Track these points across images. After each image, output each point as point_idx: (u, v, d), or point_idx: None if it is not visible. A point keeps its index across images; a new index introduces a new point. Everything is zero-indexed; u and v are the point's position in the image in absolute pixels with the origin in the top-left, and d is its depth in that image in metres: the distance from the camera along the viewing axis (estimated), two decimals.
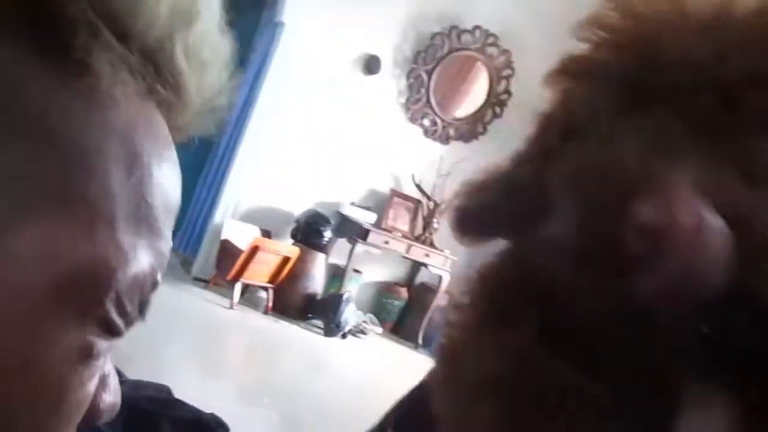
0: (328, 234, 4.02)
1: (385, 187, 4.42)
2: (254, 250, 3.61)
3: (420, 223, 4.44)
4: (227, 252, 3.74)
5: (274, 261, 3.75)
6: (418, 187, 4.38)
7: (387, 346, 4.19)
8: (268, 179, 4.06)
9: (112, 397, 0.28)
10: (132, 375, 0.51)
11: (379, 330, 4.35)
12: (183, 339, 3.19)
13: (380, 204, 4.38)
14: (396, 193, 4.41)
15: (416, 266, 4.61)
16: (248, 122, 3.93)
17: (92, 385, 0.26)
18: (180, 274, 3.93)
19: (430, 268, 4.41)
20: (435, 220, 4.37)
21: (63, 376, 0.24)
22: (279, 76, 3.90)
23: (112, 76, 0.24)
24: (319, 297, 4.01)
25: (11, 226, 0.21)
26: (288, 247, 3.87)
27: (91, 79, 0.23)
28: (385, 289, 4.56)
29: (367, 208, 4.29)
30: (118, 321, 0.25)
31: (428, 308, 4.33)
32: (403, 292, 4.53)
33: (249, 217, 4.05)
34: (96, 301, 0.24)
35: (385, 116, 4.32)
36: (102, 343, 0.25)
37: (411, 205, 4.46)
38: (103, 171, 0.23)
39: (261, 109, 3.93)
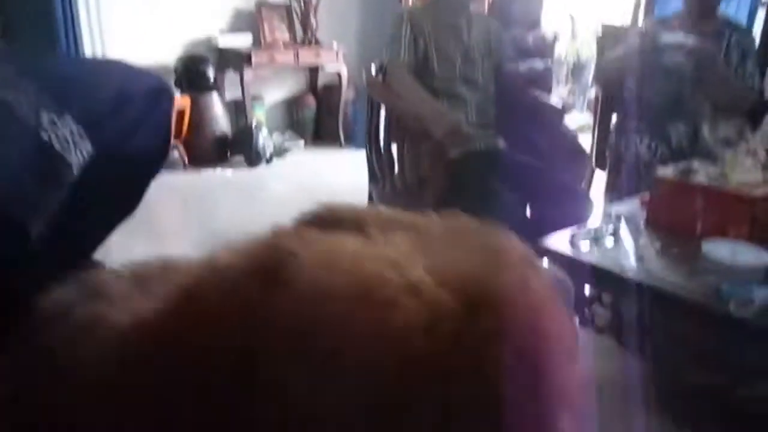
0: (211, 71, 3.90)
1: (249, 4, 4.19)
2: None
3: (298, 26, 4.30)
4: None
5: None
6: None
7: (313, 155, 4.32)
8: (128, 40, 3.81)
9: None
10: None
11: (301, 143, 4.44)
12: None
13: (252, 23, 4.19)
14: (262, 5, 4.20)
15: (314, 72, 4.56)
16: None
17: None
18: None
19: (326, 68, 4.38)
20: (311, 17, 4.24)
21: None
22: None
23: None
24: (230, 135, 4.01)
25: None
26: (177, 100, 3.77)
27: None
28: (293, 104, 4.56)
29: (240, 31, 4.12)
30: None
31: (339, 108, 4.39)
32: (311, 101, 4.54)
33: None
34: None
35: None
36: None
37: (282, 11, 4.27)
38: None
39: None
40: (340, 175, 3.80)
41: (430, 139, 1.83)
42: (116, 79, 0.58)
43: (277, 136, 4.33)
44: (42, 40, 3.91)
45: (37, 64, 0.47)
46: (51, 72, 0.49)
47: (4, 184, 0.37)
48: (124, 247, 3.10)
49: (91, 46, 3.74)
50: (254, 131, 3.86)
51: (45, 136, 0.41)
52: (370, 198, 2.27)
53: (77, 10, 3.65)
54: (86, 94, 0.49)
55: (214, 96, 3.94)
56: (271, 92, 4.44)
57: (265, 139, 3.93)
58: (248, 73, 3.95)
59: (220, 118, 3.97)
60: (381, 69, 2.11)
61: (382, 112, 2.09)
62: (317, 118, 4.58)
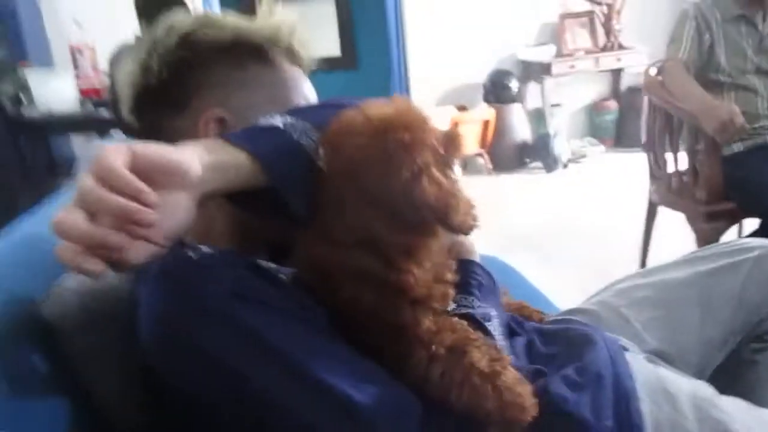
0: (514, 84, 4.22)
1: (553, 17, 4.40)
2: (455, 126, 4.02)
3: (601, 32, 4.34)
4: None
5: (476, 128, 4.12)
6: None
7: (613, 159, 4.30)
8: (444, 62, 4.37)
9: None
10: None
11: (601, 148, 4.46)
12: None
13: (555, 34, 4.39)
14: (565, 16, 4.37)
15: (616, 75, 4.54)
16: (404, 19, 4.28)
17: None
18: None
19: (629, 70, 4.33)
20: (614, 21, 4.24)
21: None
22: None
23: (283, 63, 0.76)
24: (530, 142, 4.27)
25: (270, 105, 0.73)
26: (483, 111, 4.20)
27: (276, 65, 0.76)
28: (592, 109, 4.61)
29: (544, 44, 4.36)
30: None
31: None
32: (612, 105, 4.53)
33: (443, 101, 4.45)
34: None
35: None
36: None
37: (584, 19, 4.38)
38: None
39: (411, 3, 4.25)
40: (636, 177, 3.72)
41: (704, 135, 1.82)
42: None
43: (575, 142, 4.44)
44: (379, 63, 4.77)
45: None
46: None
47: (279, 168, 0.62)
48: None
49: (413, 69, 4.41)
50: (551, 138, 4.06)
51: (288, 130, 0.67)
52: (650, 196, 2.30)
53: (405, 38, 4.35)
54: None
55: (516, 106, 4.25)
56: (571, 99, 4.57)
57: (562, 146, 4.09)
58: (548, 83, 4.17)
59: (520, 127, 4.26)
60: (659, 69, 2.14)
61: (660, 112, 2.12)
62: (620, 122, 4.54)
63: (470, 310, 0.71)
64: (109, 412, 0.66)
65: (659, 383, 0.78)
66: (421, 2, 4.26)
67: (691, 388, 0.79)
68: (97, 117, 3.00)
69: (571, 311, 1.02)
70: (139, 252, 0.48)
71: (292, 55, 0.80)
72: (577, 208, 3.48)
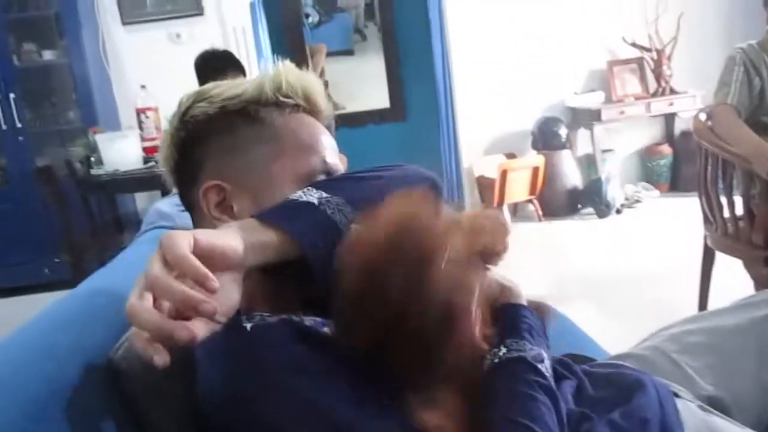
0: (563, 131, 4.23)
1: (601, 63, 4.42)
2: (504, 173, 4.04)
3: (651, 77, 4.33)
4: (484, 185, 4.25)
5: (525, 175, 4.12)
6: (634, 45, 4.29)
7: (667, 204, 4.21)
8: (491, 110, 4.43)
9: None
10: None
11: (656, 193, 4.37)
12: None
13: (603, 81, 4.40)
14: (613, 63, 4.38)
15: (670, 120, 4.49)
16: (451, 70, 4.39)
17: None
18: None
19: (682, 115, 4.28)
20: (664, 66, 4.23)
21: None
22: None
23: (274, 116, 0.79)
24: (580, 188, 4.24)
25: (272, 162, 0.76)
26: (532, 159, 4.21)
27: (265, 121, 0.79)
28: (645, 154, 4.56)
29: (592, 90, 4.37)
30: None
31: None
32: (665, 150, 4.47)
33: (491, 149, 4.49)
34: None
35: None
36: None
37: (633, 65, 4.38)
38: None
39: (458, 54, 4.35)
40: (693, 222, 3.63)
41: (758, 179, 1.79)
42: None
43: (629, 187, 4.38)
44: (428, 113, 4.87)
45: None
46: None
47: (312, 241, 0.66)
48: None
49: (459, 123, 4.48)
50: (603, 183, 4.02)
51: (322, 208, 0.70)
52: (705, 242, 2.24)
53: (453, 88, 4.44)
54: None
55: (566, 153, 4.25)
56: (623, 144, 4.53)
57: (615, 191, 4.04)
58: (598, 129, 4.16)
59: (570, 173, 4.24)
60: (708, 115, 2.13)
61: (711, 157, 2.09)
62: (674, 167, 4.46)
63: (522, 353, 0.72)
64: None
65: (709, 431, 0.77)
66: (469, 53, 4.35)
67: None
68: (159, 174, 3.16)
69: (620, 356, 1.00)
70: (201, 332, 0.54)
71: (283, 106, 0.80)
72: (632, 254, 3.42)
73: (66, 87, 3.96)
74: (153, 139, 3.32)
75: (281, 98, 0.80)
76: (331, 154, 0.81)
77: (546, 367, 0.71)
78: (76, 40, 3.81)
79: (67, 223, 3.17)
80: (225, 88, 0.80)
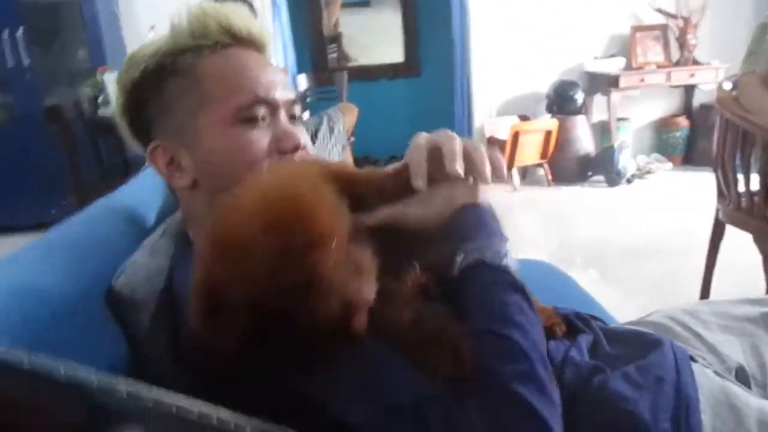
0: (579, 96, 4.15)
1: (624, 28, 4.30)
2: (515, 135, 3.98)
3: (674, 45, 4.21)
4: (495, 146, 4.19)
5: (537, 139, 4.06)
6: (659, 11, 4.16)
7: (680, 177, 4.16)
8: (507, 70, 4.34)
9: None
10: None
11: (669, 165, 4.31)
12: None
13: (625, 46, 4.29)
14: (637, 29, 4.26)
15: (689, 91, 4.39)
16: (469, 27, 4.28)
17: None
18: None
19: (702, 87, 4.18)
20: (690, 35, 4.11)
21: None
22: None
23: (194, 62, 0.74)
24: (593, 155, 4.18)
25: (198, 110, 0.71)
26: (545, 122, 4.14)
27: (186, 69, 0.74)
28: (661, 126, 4.47)
29: (612, 56, 4.27)
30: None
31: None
32: (682, 122, 4.38)
33: (504, 110, 4.41)
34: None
35: None
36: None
37: (657, 32, 4.25)
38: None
39: (476, 11, 4.24)
40: (704, 196, 3.59)
41: None
42: None
43: (642, 158, 4.31)
44: (442, 71, 4.79)
45: None
46: None
47: None
48: None
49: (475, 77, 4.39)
50: (616, 152, 3.96)
51: None
52: (717, 216, 2.21)
53: (469, 46, 4.34)
54: None
55: (581, 118, 4.17)
56: (640, 113, 4.45)
57: (627, 160, 3.98)
58: (615, 96, 4.07)
59: (584, 139, 4.18)
60: (734, 84, 2.06)
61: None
62: (690, 140, 4.38)
63: (479, 257, 0.66)
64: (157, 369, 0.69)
65: (726, 398, 0.76)
66: (488, 10, 4.23)
67: (759, 405, 0.76)
68: None
69: (636, 322, 0.99)
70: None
71: (201, 48, 0.74)
72: (639, 225, 3.39)
73: (75, 25, 3.88)
74: None
75: (197, 40, 0.74)
76: (268, 86, 0.74)
77: (508, 263, 0.67)
78: None
79: (75, 164, 3.14)
80: (144, 47, 0.75)
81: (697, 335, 0.91)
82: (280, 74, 0.78)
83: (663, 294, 2.45)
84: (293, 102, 0.77)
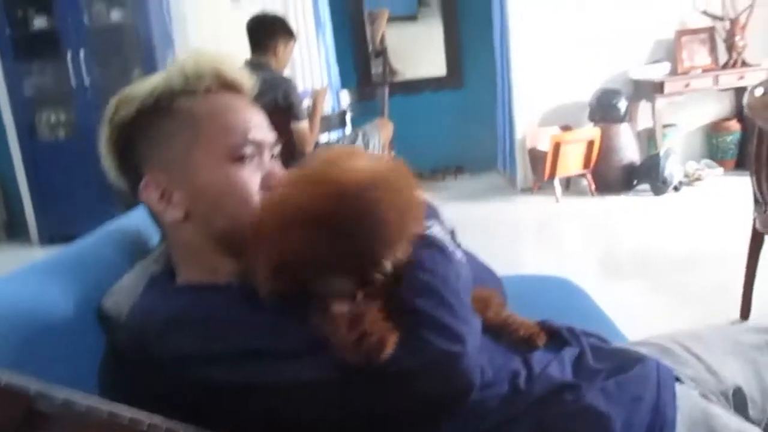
0: (622, 104, 4.07)
1: (668, 33, 4.20)
2: (556, 146, 3.95)
3: (722, 48, 4.09)
4: (536, 158, 4.17)
5: (579, 149, 4.01)
6: (705, 13, 4.06)
7: (732, 183, 4.01)
8: (549, 81, 4.30)
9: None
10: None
11: (720, 171, 4.17)
12: (526, 236, 3.72)
13: (670, 51, 4.19)
14: (682, 33, 4.15)
15: (739, 93, 4.24)
16: (510, 39, 4.28)
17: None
18: (510, 190, 4.52)
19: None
20: (737, 36, 3.98)
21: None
22: None
23: (182, 104, 0.80)
24: (637, 164, 4.09)
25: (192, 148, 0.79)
26: (587, 131, 4.08)
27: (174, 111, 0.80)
28: (711, 130, 4.34)
29: (657, 62, 4.18)
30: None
31: None
32: (733, 126, 4.23)
33: (546, 121, 4.37)
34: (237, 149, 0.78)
35: None
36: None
37: (703, 35, 4.14)
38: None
39: (516, 21, 4.24)
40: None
41: None
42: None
43: (690, 164, 4.19)
44: (485, 82, 4.81)
45: None
46: None
47: None
48: (532, 261, 3.47)
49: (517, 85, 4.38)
50: (661, 159, 3.86)
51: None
52: (754, 224, 2.15)
53: (510, 57, 4.34)
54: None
55: (624, 126, 4.09)
56: (688, 118, 4.32)
57: (673, 167, 3.88)
58: (660, 102, 3.98)
59: (628, 147, 4.09)
60: (765, 89, 2.01)
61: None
62: (742, 144, 4.23)
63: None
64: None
65: (705, 419, 0.77)
66: (529, 21, 4.22)
67: (738, 427, 0.77)
68: None
69: (639, 343, 1.00)
70: None
71: (195, 91, 0.80)
72: (687, 234, 3.29)
73: (132, 46, 4.12)
74: None
75: (191, 84, 0.80)
76: (256, 128, 0.81)
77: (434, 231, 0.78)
78: (142, 0, 3.94)
79: None
80: (139, 87, 0.81)
81: (697, 357, 0.91)
82: (263, 118, 0.85)
83: (713, 305, 2.36)
84: (275, 143, 0.84)
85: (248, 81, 0.85)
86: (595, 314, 1.42)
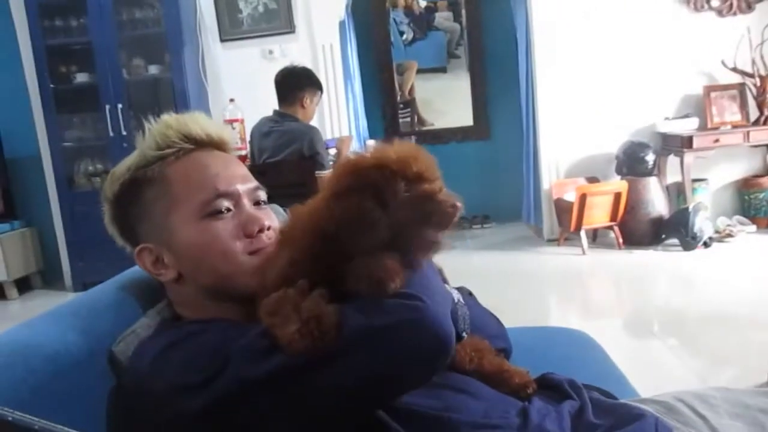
0: (650, 157, 4.05)
1: (696, 88, 4.20)
2: (582, 197, 3.93)
3: (752, 104, 4.06)
4: (562, 209, 4.14)
5: (606, 201, 3.98)
6: (735, 70, 4.05)
7: (762, 240, 3.92)
8: (576, 133, 4.31)
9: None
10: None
11: (752, 228, 4.08)
12: (551, 288, 3.66)
13: (699, 107, 4.18)
14: (710, 88, 4.15)
15: None
16: (536, 91, 4.33)
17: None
18: (536, 241, 4.49)
19: None
20: None
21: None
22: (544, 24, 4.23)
23: (164, 171, 0.84)
24: (666, 218, 4.03)
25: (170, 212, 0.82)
26: (614, 184, 4.06)
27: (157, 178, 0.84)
28: (742, 186, 4.27)
29: (686, 116, 4.16)
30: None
31: None
32: (766, 182, 4.16)
33: (573, 172, 4.37)
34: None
35: (664, 21, 4.17)
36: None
37: (733, 91, 4.13)
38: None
39: (542, 74, 4.29)
40: None
41: None
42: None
43: (722, 220, 4.12)
44: (511, 133, 4.83)
45: None
46: None
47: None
48: (556, 313, 3.40)
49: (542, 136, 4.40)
50: (691, 214, 3.80)
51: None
52: None
53: (537, 107, 4.37)
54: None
55: (653, 180, 4.06)
56: (719, 174, 4.27)
57: (703, 222, 3.81)
58: (689, 156, 3.95)
59: (656, 201, 4.04)
60: None
61: None
62: None
63: None
64: None
65: None
66: (555, 74, 4.27)
67: None
68: None
69: (645, 400, 0.99)
70: None
71: (166, 157, 0.83)
72: (721, 291, 3.19)
73: (167, 99, 4.28)
74: (238, 149, 3.53)
75: (161, 151, 0.83)
76: (226, 180, 0.83)
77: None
78: (178, 56, 4.12)
79: None
80: (122, 164, 0.86)
81: (703, 417, 0.90)
82: (241, 166, 0.88)
83: (744, 367, 2.27)
84: (255, 189, 0.87)
85: (222, 134, 0.88)
86: (608, 369, 1.39)
